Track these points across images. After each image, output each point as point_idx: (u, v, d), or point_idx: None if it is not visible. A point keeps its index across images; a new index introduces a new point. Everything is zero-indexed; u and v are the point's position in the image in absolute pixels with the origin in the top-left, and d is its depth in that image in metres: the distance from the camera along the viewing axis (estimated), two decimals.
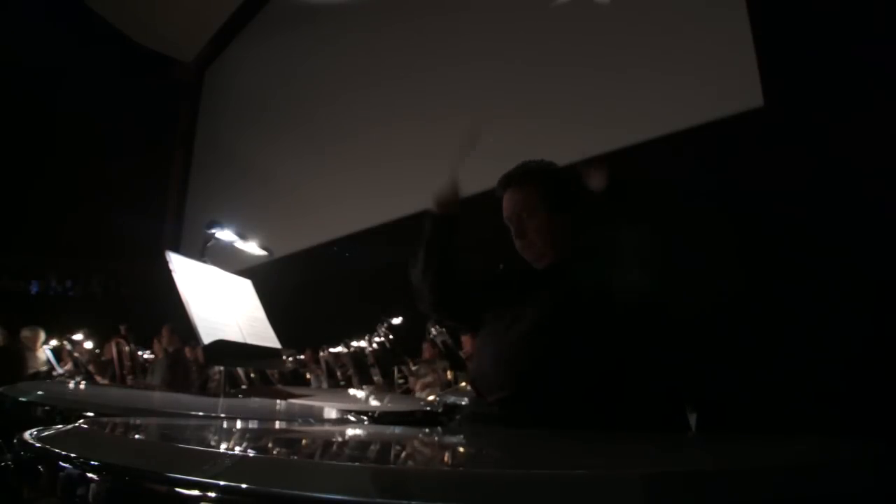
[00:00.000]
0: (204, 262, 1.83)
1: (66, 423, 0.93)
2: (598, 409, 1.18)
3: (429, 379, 3.36)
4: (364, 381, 3.76)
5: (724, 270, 2.83)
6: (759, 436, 1.02)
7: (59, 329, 5.68)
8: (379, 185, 5.58)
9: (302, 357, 4.96)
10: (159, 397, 2.19)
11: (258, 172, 7.62)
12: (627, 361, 1.22)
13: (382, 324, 3.67)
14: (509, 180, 1.49)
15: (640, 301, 1.28)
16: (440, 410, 2.04)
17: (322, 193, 6.50)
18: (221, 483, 0.50)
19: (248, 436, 0.98)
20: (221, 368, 2.73)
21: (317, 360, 4.70)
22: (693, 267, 2.87)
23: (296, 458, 0.78)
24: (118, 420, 1.10)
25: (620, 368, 1.21)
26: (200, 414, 1.36)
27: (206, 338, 1.56)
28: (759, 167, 2.90)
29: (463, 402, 1.93)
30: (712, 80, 3.24)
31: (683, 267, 2.78)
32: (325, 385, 4.39)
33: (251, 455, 0.73)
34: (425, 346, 3.89)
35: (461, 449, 0.96)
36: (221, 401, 1.67)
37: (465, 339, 3.43)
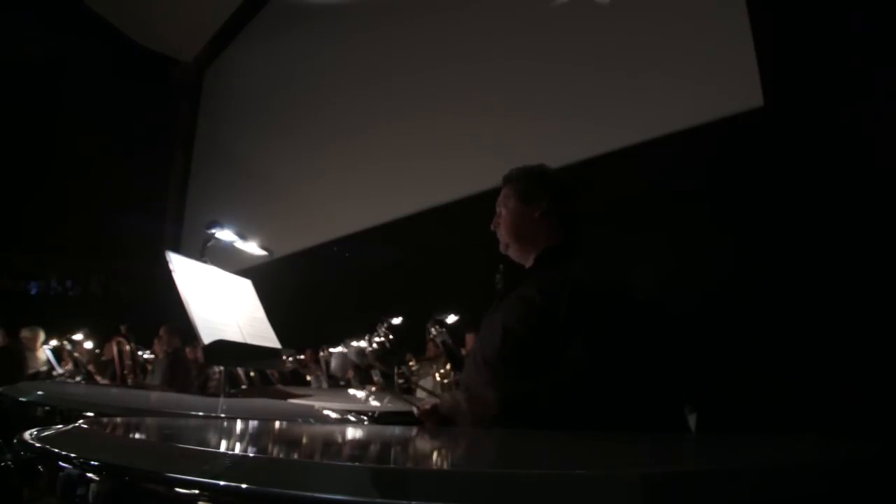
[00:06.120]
0: (204, 262, 1.83)
1: (66, 423, 0.94)
2: (579, 411, 1.18)
3: (429, 379, 3.36)
4: (364, 381, 3.76)
5: (723, 270, 2.83)
6: (759, 436, 1.02)
7: (59, 329, 5.68)
8: (379, 185, 5.58)
9: (302, 357, 4.95)
10: (159, 397, 2.19)
11: (258, 172, 7.62)
12: (609, 363, 1.21)
13: (382, 324, 3.66)
14: (502, 180, 1.58)
15: (626, 301, 1.29)
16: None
17: (322, 193, 6.50)
18: (221, 483, 0.50)
19: (248, 436, 0.98)
20: (221, 368, 2.73)
21: (317, 360, 4.70)
22: (692, 267, 2.87)
23: (296, 458, 0.78)
24: (118, 420, 1.10)
25: (603, 371, 1.20)
26: (200, 414, 1.36)
27: (207, 338, 1.56)
28: (759, 167, 2.90)
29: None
30: (712, 80, 3.24)
31: (683, 267, 2.79)
32: (325, 385, 4.39)
33: (251, 455, 0.73)
34: (429, 345, 3.88)
35: (460, 449, 0.96)
36: (221, 401, 1.67)
37: (469, 338, 3.43)
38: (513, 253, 1.51)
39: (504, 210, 1.51)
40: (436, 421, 1.50)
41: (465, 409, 1.29)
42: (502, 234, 1.52)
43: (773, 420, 2.37)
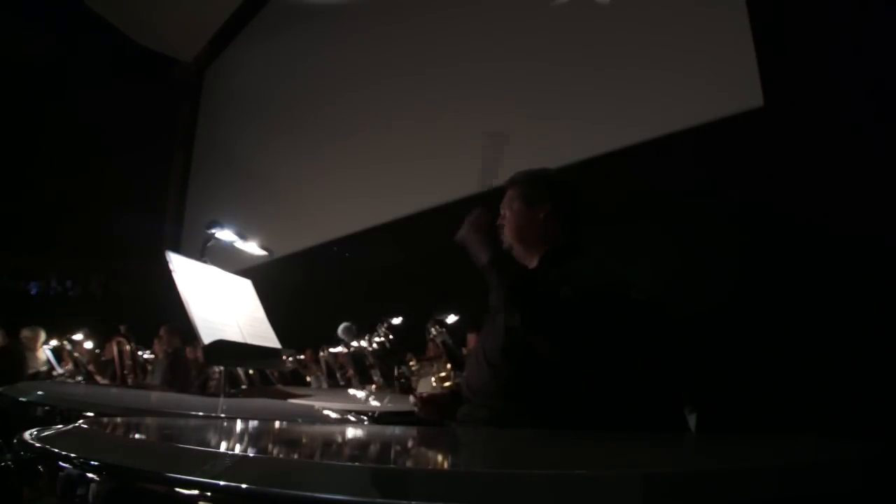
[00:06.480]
0: (204, 262, 1.83)
1: (66, 423, 0.93)
2: (580, 411, 1.19)
3: (431, 378, 3.36)
4: (364, 381, 3.76)
5: (723, 271, 2.83)
6: (759, 436, 1.02)
7: (59, 329, 5.67)
8: (379, 185, 5.58)
9: (302, 357, 4.95)
10: (159, 397, 2.19)
11: (258, 172, 7.62)
12: (608, 364, 1.22)
13: (382, 324, 3.66)
14: (507, 183, 1.60)
15: (625, 302, 1.29)
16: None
17: (322, 193, 6.50)
18: (221, 483, 0.50)
19: (248, 436, 0.98)
20: (221, 368, 2.73)
21: (317, 360, 4.70)
22: (692, 267, 2.87)
23: (296, 458, 0.78)
24: (118, 420, 1.10)
25: (601, 371, 1.21)
26: (200, 414, 1.36)
27: (207, 338, 1.56)
28: (759, 167, 2.90)
29: None
30: (712, 80, 3.24)
31: (683, 267, 2.79)
32: (324, 385, 4.39)
33: (251, 455, 0.73)
34: (429, 345, 3.88)
35: (461, 449, 0.96)
36: (221, 401, 1.67)
37: (470, 338, 3.43)
38: (516, 254, 1.53)
39: (508, 212, 1.54)
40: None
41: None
42: (506, 236, 1.54)
43: (773, 420, 2.37)
